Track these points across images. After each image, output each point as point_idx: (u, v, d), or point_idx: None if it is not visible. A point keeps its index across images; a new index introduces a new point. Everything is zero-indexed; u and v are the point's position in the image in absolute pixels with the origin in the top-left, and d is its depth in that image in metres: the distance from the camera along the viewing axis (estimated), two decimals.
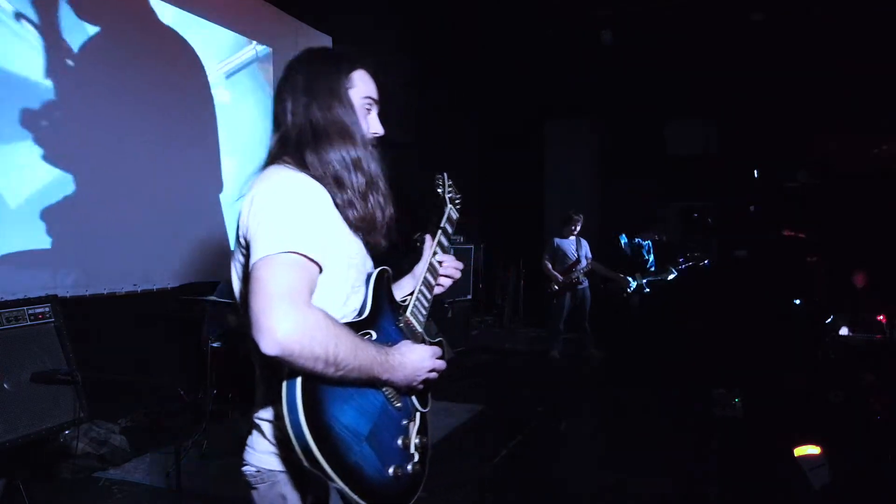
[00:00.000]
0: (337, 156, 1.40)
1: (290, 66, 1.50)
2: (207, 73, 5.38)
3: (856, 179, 8.41)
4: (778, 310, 6.77)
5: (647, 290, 7.19)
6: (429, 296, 1.61)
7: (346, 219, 1.40)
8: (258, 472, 1.36)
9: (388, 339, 1.39)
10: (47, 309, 3.41)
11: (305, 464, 1.19)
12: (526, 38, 9.50)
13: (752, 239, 8.78)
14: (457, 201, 1.88)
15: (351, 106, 1.48)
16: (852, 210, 7.94)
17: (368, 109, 1.55)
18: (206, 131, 5.41)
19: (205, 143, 5.40)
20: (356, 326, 1.33)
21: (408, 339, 1.46)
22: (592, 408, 5.53)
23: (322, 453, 1.17)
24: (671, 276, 7.10)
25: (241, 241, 1.33)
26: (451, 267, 1.72)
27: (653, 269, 7.30)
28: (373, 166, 1.48)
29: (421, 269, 1.66)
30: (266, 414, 1.35)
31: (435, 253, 1.70)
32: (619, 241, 7.64)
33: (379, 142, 1.58)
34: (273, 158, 1.42)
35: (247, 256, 1.28)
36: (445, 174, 1.89)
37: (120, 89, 4.52)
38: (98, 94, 4.38)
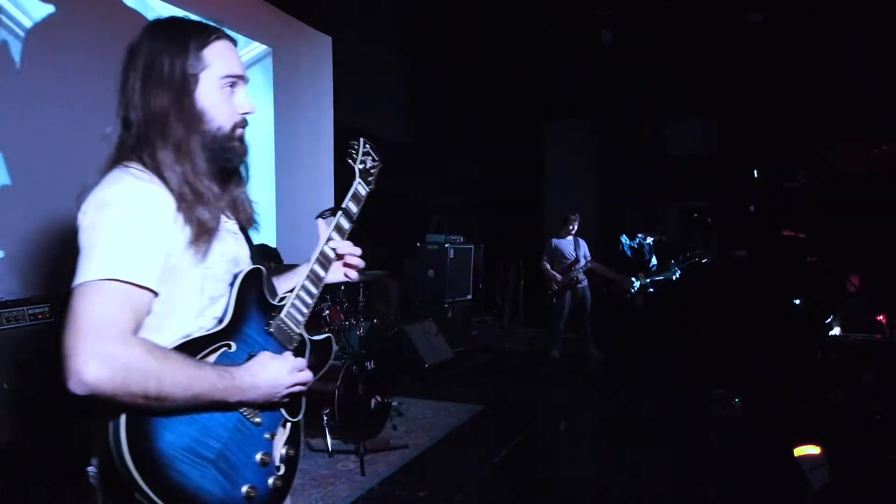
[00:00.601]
0: (172, 150, 1.24)
1: (137, 39, 1.29)
2: None
3: (855, 179, 8.41)
4: (778, 310, 6.77)
5: (651, 290, 7.18)
6: (314, 290, 1.44)
7: (187, 216, 1.23)
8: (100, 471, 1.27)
9: (252, 348, 1.29)
10: (46, 309, 3.41)
11: (139, 498, 1.12)
12: (526, 38, 9.50)
13: (752, 239, 8.77)
14: (371, 172, 1.62)
15: (202, 92, 1.28)
16: (852, 210, 7.94)
17: (232, 87, 1.33)
18: None
19: None
20: (210, 339, 1.23)
21: (278, 344, 1.35)
22: (592, 408, 5.52)
23: (153, 489, 1.10)
24: (675, 276, 7.08)
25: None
26: (348, 254, 1.53)
27: (654, 268, 7.29)
28: (234, 158, 1.31)
29: (312, 257, 1.48)
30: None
31: (329, 238, 1.49)
32: (621, 242, 7.64)
33: (245, 123, 1.36)
34: (119, 155, 1.27)
35: None
36: (363, 140, 1.62)
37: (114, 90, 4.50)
38: (93, 95, 4.37)
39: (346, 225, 1.52)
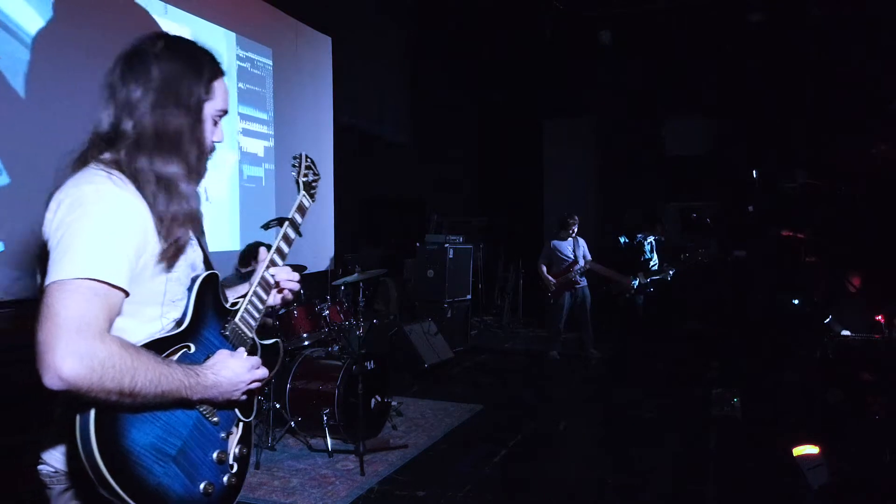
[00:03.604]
0: (173, 168, 1.31)
1: (147, 50, 1.34)
2: None
3: (855, 179, 8.41)
4: (777, 310, 6.77)
5: (652, 289, 7.18)
6: (263, 296, 1.53)
7: (167, 233, 1.29)
8: (55, 472, 1.28)
9: (209, 350, 1.36)
10: None
11: (103, 493, 1.15)
12: (525, 38, 9.50)
13: (751, 239, 8.78)
14: (313, 185, 1.71)
15: (201, 120, 1.38)
16: (851, 210, 7.94)
17: (216, 122, 1.44)
18: None
19: None
20: (171, 341, 1.29)
21: (232, 347, 1.41)
22: (592, 408, 5.53)
23: (119, 483, 1.14)
24: (669, 274, 7.09)
25: (45, 248, 1.22)
26: (285, 279, 1.60)
27: (655, 267, 7.28)
28: (190, 187, 1.37)
29: (258, 270, 1.55)
30: (67, 423, 1.20)
31: (273, 263, 1.56)
32: (619, 242, 7.64)
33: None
34: (95, 151, 1.31)
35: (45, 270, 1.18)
36: (304, 154, 1.72)
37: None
38: (94, 94, 4.37)
39: (292, 234, 1.61)
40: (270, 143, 6.25)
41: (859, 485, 3.42)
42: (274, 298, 1.62)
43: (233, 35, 5.71)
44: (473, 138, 11.47)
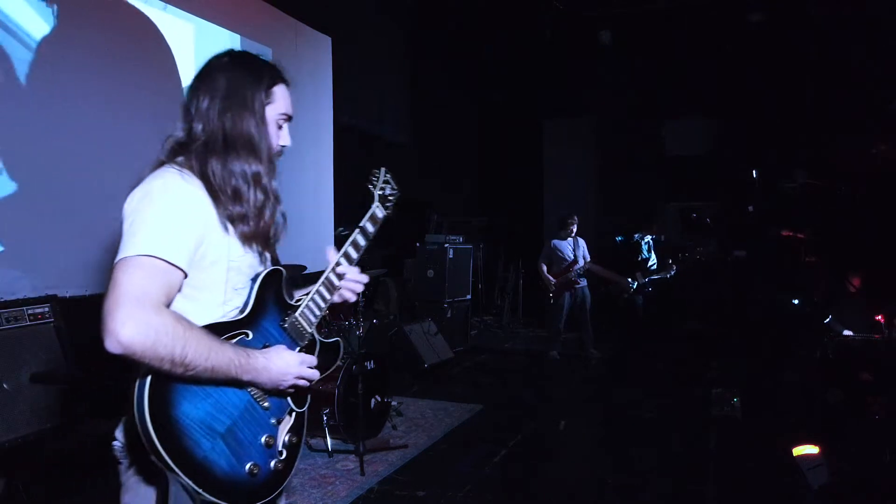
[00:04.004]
0: (240, 168, 1.44)
1: (214, 64, 1.50)
2: None
3: (855, 179, 8.41)
4: (777, 310, 6.77)
5: (650, 289, 7.17)
6: (326, 296, 1.62)
7: (237, 229, 1.43)
8: (122, 446, 1.42)
9: (266, 339, 1.45)
10: (47, 309, 3.42)
11: (151, 457, 1.25)
12: (525, 38, 9.50)
13: (751, 239, 8.78)
14: (390, 199, 1.80)
15: (265, 121, 1.50)
16: (851, 210, 7.94)
17: (280, 126, 1.56)
18: None
19: None
20: (231, 326, 1.39)
21: (291, 339, 1.51)
22: (592, 408, 5.53)
23: (166, 450, 1.23)
24: (671, 274, 7.09)
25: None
26: (352, 281, 1.69)
27: (654, 267, 7.27)
28: (272, 183, 1.51)
29: (326, 271, 1.65)
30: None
31: (339, 263, 1.65)
32: (616, 242, 7.64)
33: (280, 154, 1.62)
34: (171, 155, 1.45)
35: None
36: (384, 169, 1.81)
37: (113, 91, 4.51)
38: (94, 96, 4.38)
39: (362, 241, 1.70)
40: None
41: (859, 485, 3.42)
42: (338, 296, 1.70)
43: (233, 35, 5.70)
44: (473, 138, 11.47)
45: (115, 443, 1.44)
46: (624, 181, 10.34)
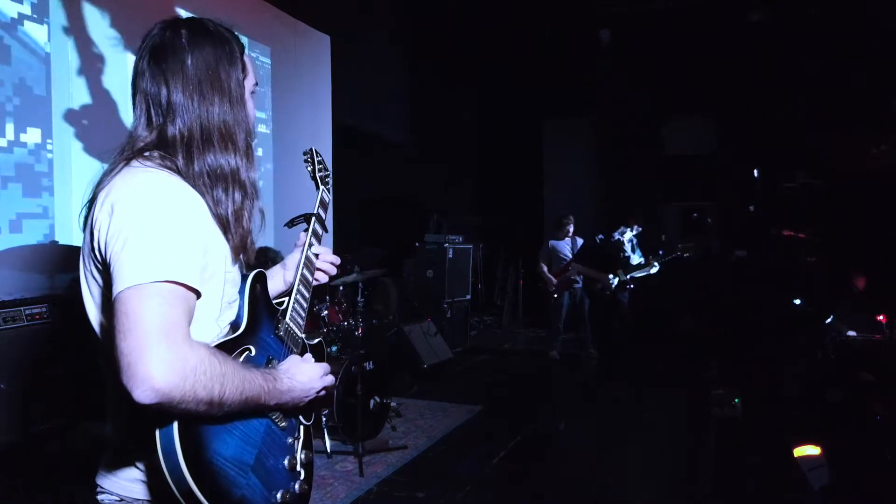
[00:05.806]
0: (230, 162, 1.23)
1: (171, 42, 1.23)
2: None
3: (855, 179, 8.41)
4: (778, 310, 6.76)
5: (632, 286, 7.09)
6: (306, 294, 1.48)
7: (233, 230, 1.24)
8: (121, 500, 1.19)
9: (268, 352, 1.30)
10: (44, 309, 3.40)
11: None
12: (525, 37, 9.49)
13: (751, 239, 8.77)
14: (327, 180, 1.68)
15: (244, 102, 1.29)
16: (852, 210, 7.94)
17: (253, 94, 1.35)
18: None
19: None
20: (233, 344, 1.22)
21: (288, 347, 1.36)
22: (591, 407, 5.52)
23: (208, 498, 1.07)
24: (654, 270, 6.98)
25: (97, 256, 1.13)
26: (326, 262, 1.58)
27: (641, 261, 7.15)
28: (251, 174, 1.29)
29: (293, 261, 1.52)
30: (133, 444, 1.17)
31: (311, 244, 1.54)
32: (595, 241, 7.55)
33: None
34: (137, 152, 1.19)
35: (106, 279, 1.10)
36: (314, 149, 1.68)
37: (112, 90, 4.50)
38: (93, 96, 4.37)
39: (320, 230, 1.59)
40: (269, 143, 6.24)
41: (859, 485, 3.40)
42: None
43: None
44: (473, 138, 11.46)
45: (103, 497, 1.21)
46: (624, 181, 10.33)
